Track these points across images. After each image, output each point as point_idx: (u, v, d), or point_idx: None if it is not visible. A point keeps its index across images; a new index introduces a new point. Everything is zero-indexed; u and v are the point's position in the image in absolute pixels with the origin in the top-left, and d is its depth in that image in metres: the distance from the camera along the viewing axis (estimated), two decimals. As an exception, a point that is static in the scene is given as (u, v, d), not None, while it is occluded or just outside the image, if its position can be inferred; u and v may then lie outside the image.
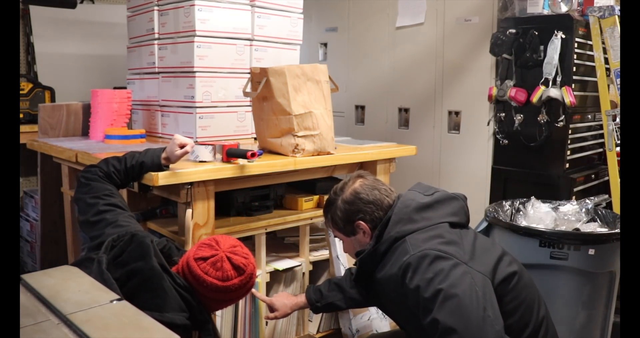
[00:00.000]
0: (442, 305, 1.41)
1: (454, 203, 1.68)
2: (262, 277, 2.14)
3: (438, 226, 1.60)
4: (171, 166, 1.84)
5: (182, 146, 1.81)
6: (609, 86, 2.66)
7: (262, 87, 2.11)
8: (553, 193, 2.74)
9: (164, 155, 1.81)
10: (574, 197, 2.78)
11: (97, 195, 1.70)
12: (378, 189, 1.69)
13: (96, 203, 1.68)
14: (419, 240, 1.55)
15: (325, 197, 1.84)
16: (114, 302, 1.14)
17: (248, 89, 2.23)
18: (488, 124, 3.03)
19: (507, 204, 2.37)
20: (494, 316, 1.41)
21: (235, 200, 2.16)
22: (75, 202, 1.77)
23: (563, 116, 2.76)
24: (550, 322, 1.64)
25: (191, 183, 1.84)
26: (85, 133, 2.68)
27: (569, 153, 2.84)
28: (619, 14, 2.55)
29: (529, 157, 2.90)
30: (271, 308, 1.99)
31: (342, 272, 2.27)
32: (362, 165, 2.43)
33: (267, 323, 2.20)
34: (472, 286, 1.43)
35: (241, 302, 2.11)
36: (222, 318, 2.05)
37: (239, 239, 2.30)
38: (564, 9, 2.74)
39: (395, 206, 1.64)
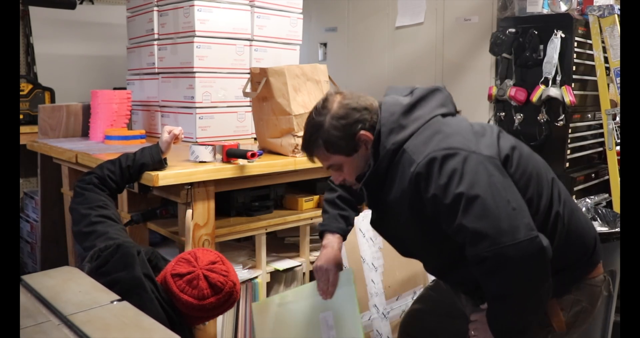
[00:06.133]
0: (466, 210, 1.30)
1: (437, 94, 1.53)
2: (262, 277, 2.14)
3: (431, 122, 1.45)
4: (171, 166, 1.84)
5: (169, 132, 1.83)
6: (608, 85, 2.67)
7: (261, 87, 2.11)
8: (553, 192, 2.74)
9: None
10: (574, 196, 2.78)
11: (91, 206, 1.69)
12: (360, 96, 1.52)
13: (89, 214, 1.67)
14: (419, 144, 1.41)
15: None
16: (115, 302, 1.14)
17: (248, 89, 2.23)
18: (488, 123, 3.03)
19: (507, 204, 2.37)
20: (519, 207, 1.32)
21: (236, 200, 2.16)
22: (70, 212, 1.77)
23: (563, 115, 2.76)
24: (559, 183, 1.53)
25: (191, 184, 1.84)
26: (85, 133, 2.68)
27: (569, 152, 2.84)
28: (619, 13, 2.55)
29: (529, 156, 2.90)
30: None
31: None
32: (362, 165, 2.42)
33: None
34: (490, 179, 1.33)
35: (242, 303, 2.11)
36: (223, 318, 2.05)
37: (239, 239, 2.32)
38: (563, 8, 2.74)
39: (380, 117, 1.48)
